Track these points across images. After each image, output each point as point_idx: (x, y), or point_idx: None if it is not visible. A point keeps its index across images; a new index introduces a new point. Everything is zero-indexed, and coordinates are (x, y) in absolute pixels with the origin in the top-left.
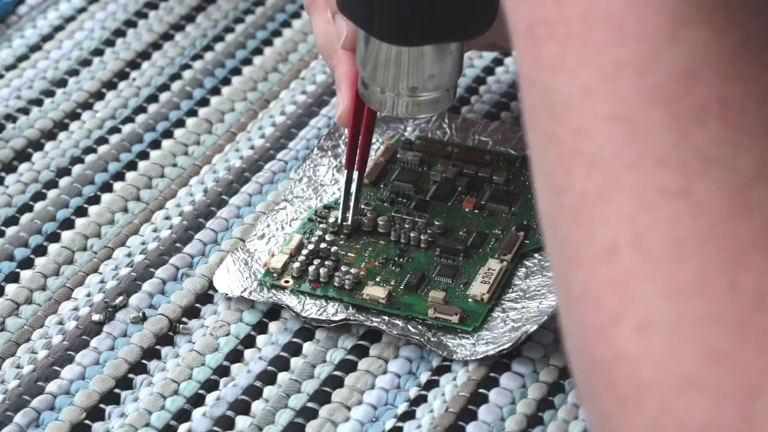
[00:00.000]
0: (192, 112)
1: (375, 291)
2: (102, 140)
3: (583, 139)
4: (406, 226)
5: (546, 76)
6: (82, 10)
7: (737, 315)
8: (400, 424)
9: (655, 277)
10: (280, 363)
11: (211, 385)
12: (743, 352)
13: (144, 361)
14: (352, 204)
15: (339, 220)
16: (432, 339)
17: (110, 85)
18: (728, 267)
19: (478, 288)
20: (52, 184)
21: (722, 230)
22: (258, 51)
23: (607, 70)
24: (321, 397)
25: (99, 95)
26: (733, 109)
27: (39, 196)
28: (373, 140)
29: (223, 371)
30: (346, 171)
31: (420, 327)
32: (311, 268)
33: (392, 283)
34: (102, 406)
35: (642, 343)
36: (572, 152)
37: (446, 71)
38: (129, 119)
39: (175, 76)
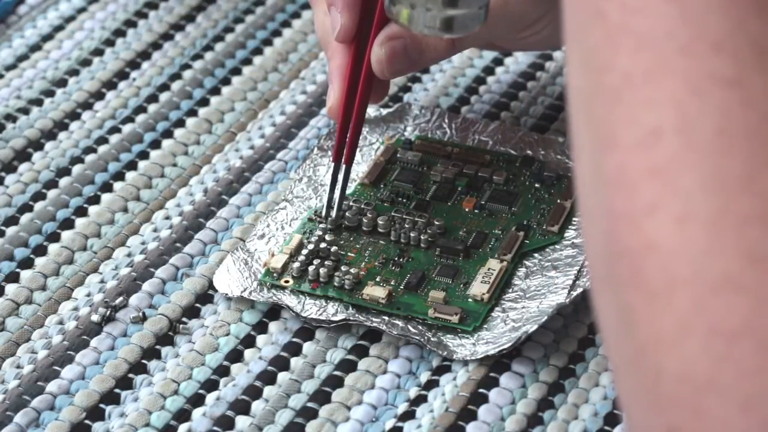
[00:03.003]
0: (192, 112)
1: (375, 291)
2: (102, 140)
3: (633, 16)
4: (406, 226)
5: None
6: (82, 10)
7: None
8: (400, 424)
9: (700, 166)
10: (280, 363)
11: (211, 385)
12: None
13: (144, 361)
14: (337, 199)
15: (324, 215)
16: (432, 339)
17: (110, 85)
18: None
19: (478, 288)
20: (52, 184)
21: None
22: (258, 51)
23: None
24: (321, 397)
25: (99, 95)
26: None
27: (39, 196)
28: (374, 140)
29: (223, 371)
30: (333, 164)
31: (420, 327)
32: (311, 268)
33: (392, 283)
34: (102, 406)
35: (679, 235)
36: (619, 29)
37: None
38: (129, 119)
39: (175, 76)
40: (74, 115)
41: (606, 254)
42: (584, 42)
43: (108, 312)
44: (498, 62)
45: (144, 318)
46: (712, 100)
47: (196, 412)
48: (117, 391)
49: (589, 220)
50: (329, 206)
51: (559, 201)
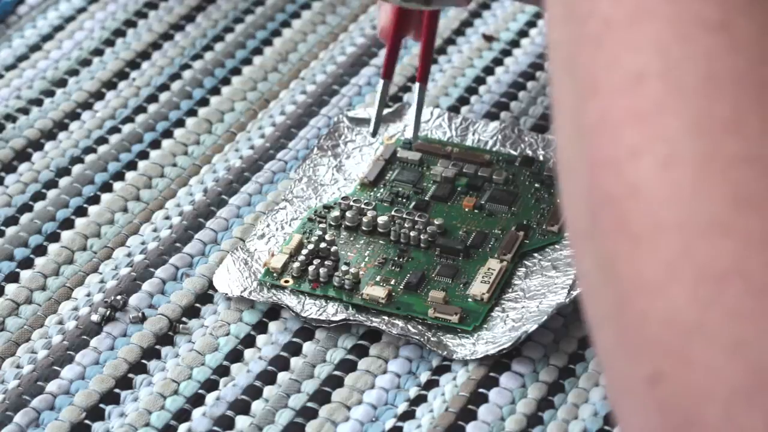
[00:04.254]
0: (192, 112)
1: (375, 291)
2: (102, 140)
3: None
4: (406, 225)
5: None
6: (82, 10)
7: None
8: (400, 423)
9: (685, 110)
10: (280, 363)
11: (210, 385)
12: None
13: (144, 361)
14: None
15: (371, 130)
16: (432, 339)
17: (110, 85)
18: (763, 110)
19: (478, 288)
20: (52, 184)
21: (760, 71)
22: (258, 51)
23: None
24: (321, 396)
25: (99, 95)
26: None
27: (39, 196)
28: (373, 140)
29: (222, 371)
30: (382, 81)
31: (420, 327)
32: (311, 268)
33: (392, 283)
34: (102, 405)
35: (664, 179)
36: None
37: None
38: (129, 119)
39: (175, 76)
40: (74, 115)
41: (587, 205)
42: None
43: (108, 312)
44: (498, 62)
45: (144, 318)
46: (696, 44)
47: (196, 412)
48: (117, 391)
49: (569, 172)
50: (377, 124)
51: (559, 201)
